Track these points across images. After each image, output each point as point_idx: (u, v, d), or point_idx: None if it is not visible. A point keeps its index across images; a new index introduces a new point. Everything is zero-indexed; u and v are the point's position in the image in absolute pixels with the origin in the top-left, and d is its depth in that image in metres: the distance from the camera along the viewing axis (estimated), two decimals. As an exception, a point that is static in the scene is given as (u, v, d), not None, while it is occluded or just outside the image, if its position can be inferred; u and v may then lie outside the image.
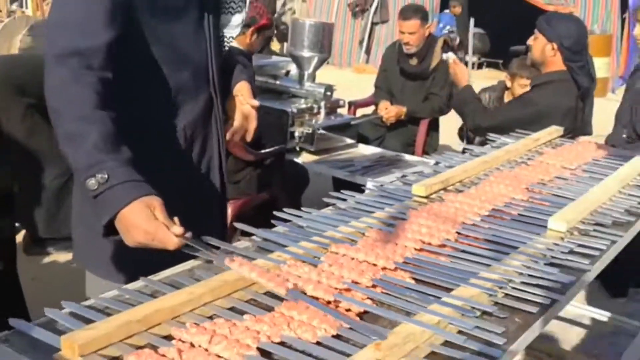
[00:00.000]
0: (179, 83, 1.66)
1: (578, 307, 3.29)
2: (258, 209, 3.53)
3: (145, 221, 1.32)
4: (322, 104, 3.91)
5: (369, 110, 4.73)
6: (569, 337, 3.23)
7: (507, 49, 9.86)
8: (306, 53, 3.87)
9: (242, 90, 1.91)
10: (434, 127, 4.52)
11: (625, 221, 1.84)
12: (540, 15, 3.43)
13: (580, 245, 1.62)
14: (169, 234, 1.33)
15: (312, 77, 3.98)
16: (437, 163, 2.28)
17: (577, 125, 3.17)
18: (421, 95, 4.37)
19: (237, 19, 1.81)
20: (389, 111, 4.33)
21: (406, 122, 4.40)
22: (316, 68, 3.95)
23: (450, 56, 3.57)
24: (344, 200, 1.86)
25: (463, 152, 2.87)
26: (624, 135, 3.43)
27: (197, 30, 1.68)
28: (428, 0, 12.20)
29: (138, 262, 1.43)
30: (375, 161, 3.82)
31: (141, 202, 1.34)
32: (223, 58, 1.85)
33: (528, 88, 3.52)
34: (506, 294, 1.35)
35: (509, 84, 3.78)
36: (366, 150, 4.12)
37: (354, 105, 4.76)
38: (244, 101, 1.90)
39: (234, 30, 1.85)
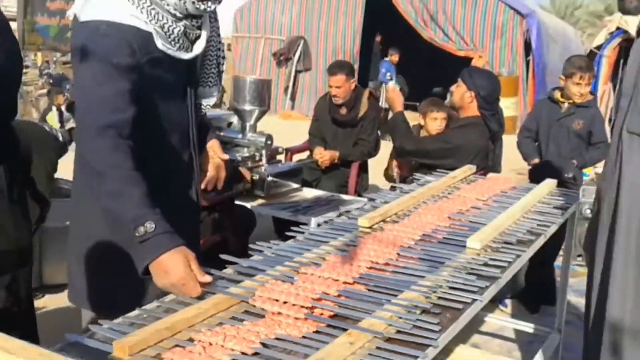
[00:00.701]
0: (169, 145, 2.04)
1: (501, 320, 3.77)
2: (210, 249, 3.87)
3: (183, 269, 1.68)
4: (264, 152, 4.30)
5: (304, 155, 5.17)
6: (492, 346, 3.70)
7: (424, 92, 10.55)
8: (248, 107, 4.27)
9: (213, 147, 2.31)
10: (363, 169, 5.00)
11: (527, 239, 2.32)
12: (452, 59, 3.99)
13: (492, 259, 2.07)
14: (197, 285, 1.70)
15: (254, 128, 4.39)
16: (372, 199, 2.72)
17: (488, 164, 3.70)
18: (351, 140, 4.85)
19: (214, 90, 2.21)
20: (323, 156, 4.78)
21: (339, 166, 4.86)
22: (257, 119, 4.36)
23: (390, 84, 4.06)
24: (302, 233, 2.27)
25: (392, 189, 3.33)
26: (575, 165, 4.07)
27: (183, 102, 2.07)
28: (349, 48, 12.89)
29: (128, 296, 1.77)
30: (313, 202, 4.22)
31: (180, 251, 1.70)
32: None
33: (438, 121, 4.04)
34: (439, 297, 1.78)
35: (422, 122, 4.28)
36: (309, 193, 4.52)
37: (290, 151, 5.19)
38: (215, 155, 2.30)
39: (210, 100, 2.25)
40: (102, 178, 1.76)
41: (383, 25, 13.23)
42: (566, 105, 4.28)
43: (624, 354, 2.11)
